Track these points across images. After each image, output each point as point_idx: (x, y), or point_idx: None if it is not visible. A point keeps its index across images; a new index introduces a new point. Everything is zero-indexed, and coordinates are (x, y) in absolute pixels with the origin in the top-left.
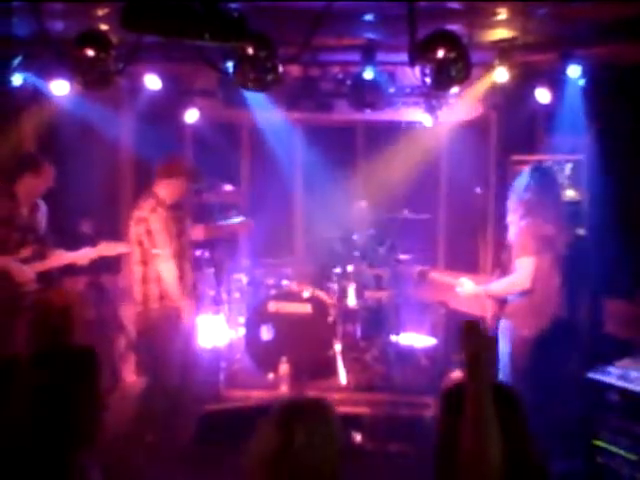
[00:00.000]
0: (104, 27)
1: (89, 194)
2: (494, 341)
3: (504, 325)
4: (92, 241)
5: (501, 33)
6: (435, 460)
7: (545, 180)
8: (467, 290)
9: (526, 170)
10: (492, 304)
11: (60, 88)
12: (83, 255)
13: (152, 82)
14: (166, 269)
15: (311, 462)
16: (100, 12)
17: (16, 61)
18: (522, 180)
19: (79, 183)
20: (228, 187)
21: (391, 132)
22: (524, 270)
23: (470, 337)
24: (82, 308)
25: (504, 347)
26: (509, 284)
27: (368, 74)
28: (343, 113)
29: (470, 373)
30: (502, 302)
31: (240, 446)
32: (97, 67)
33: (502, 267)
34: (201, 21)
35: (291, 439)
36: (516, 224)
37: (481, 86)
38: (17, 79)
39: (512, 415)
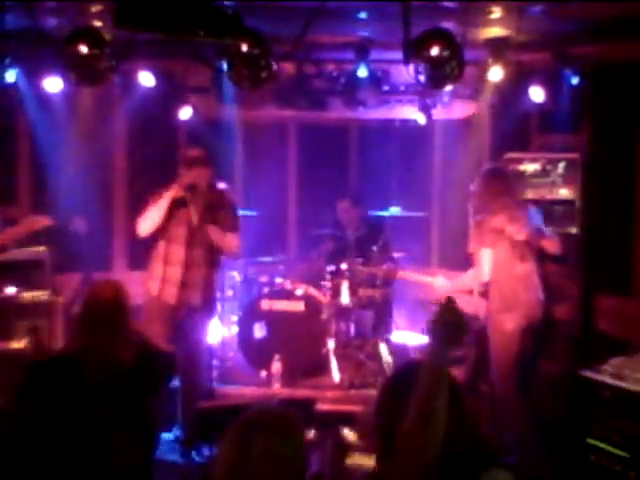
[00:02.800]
0: (98, 24)
1: (83, 191)
2: (467, 323)
3: (488, 320)
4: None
5: (495, 31)
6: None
7: (489, 178)
8: (439, 286)
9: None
10: (484, 302)
11: (53, 85)
12: (7, 237)
13: (146, 79)
14: None
15: (267, 472)
16: (93, 9)
17: (9, 58)
18: (475, 183)
19: (73, 180)
20: (221, 185)
21: (385, 130)
22: (482, 263)
23: (446, 313)
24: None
25: (492, 343)
26: (469, 277)
27: (362, 72)
28: (337, 111)
29: (436, 346)
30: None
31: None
32: (90, 64)
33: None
34: (195, 18)
35: (247, 452)
36: (471, 225)
37: (475, 84)
38: (10, 76)
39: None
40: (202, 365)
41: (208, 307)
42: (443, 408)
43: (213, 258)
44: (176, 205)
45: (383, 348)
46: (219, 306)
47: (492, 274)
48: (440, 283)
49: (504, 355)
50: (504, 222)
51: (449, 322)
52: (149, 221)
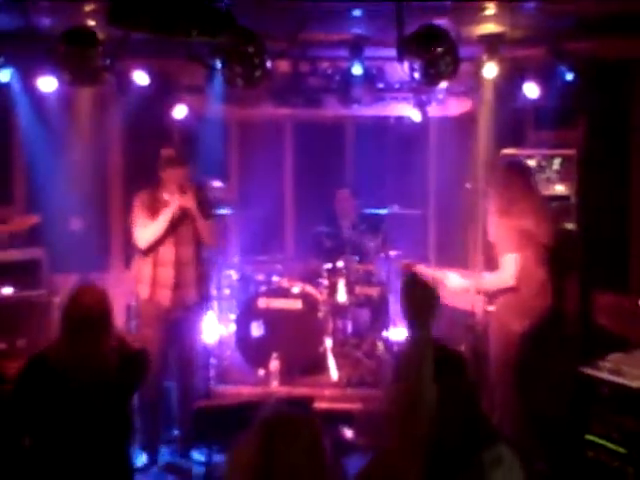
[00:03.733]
0: (91, 23)
1: (78, 191)
2: (435, 292)
3: (493, 320)
4: None
5: (489, 28)
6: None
7: (521, 175)
8: (454, 285)
9: (500, 166)
10: (481, 299)
11: (47, 84)
12: None
13: (140, 78)
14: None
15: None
16: (87, 8)
17: (2, 58)
18: (497, 176)
19: (68, 180)
20: (217, 183)
21: (380, 127)
22: (508, 267)
23: (413, 289)
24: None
25: (494, 342)
26: (494, 281)
27: (357, 69)
28: (332, 109)
29: (414, 323)
30: (491, 297)
31: (231, 443)
32: (84, 63)
33: (493, 263)
34: (189, 17)
35: (272, 457)
36: (495, 221)
37: (470, 81)
38: (4, 76)
39: (456, 380)
40: (198, 364)
41: (203, 305)
42: (428, 386)
43: (201, 254)
44: (157, 208)
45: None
46: (216, 305)
47: (515, 278)
48: (455, 281)
49: (505, 355)
50: (533, 225)
51: (417, 295)
52: (151, 234)
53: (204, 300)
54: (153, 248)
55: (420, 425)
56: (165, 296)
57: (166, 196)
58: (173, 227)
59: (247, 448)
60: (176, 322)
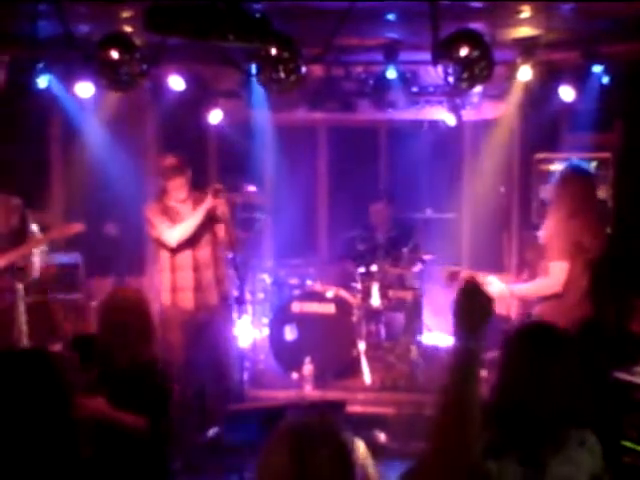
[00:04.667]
0: (128, 29)
1: (114, 196)
2: (493, 304)
3: None
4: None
5: (524, 31)
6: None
7: (587, 181)
8: (495, 289)
9: (566, 169)
10: (517, 304)
11: (85, 90)
12: (34, 245)
13: (176, 83)
14: None
15: None
16: (124, 15)
17: (41, 64)
18: (564, 179)
19: (105, 185)
20: (251, 188)
21: (414, 131)
22: (557, 274)
23: (473, 300)
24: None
25: None
26: (540, 287)
27: (391, 73)
28: (366, 113)
29: (469, 334)
30: (530, 303)
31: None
32: (121, 69)
33: (529, 267)
34: (224, 22)
35: (304, 470)
36: (553, 225)
37: (504, 84)
38: (42, 81)
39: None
40: (230, 365)
41: (226, 306)
42: (475, 404)
43: (219, 256)
44: (166, 214)
45: None
46: (250, 309)
47: (563, 287)
48: (497, 286)
49: None
50: (588, 240)
51: (476, 306)
52: (184, 234)
53: (227, 300)
54: (166, 255)
55: (467, 432)
56: (187, 299)
57: (173, 203)
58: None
59: (277, 455)
60: (202, 325)
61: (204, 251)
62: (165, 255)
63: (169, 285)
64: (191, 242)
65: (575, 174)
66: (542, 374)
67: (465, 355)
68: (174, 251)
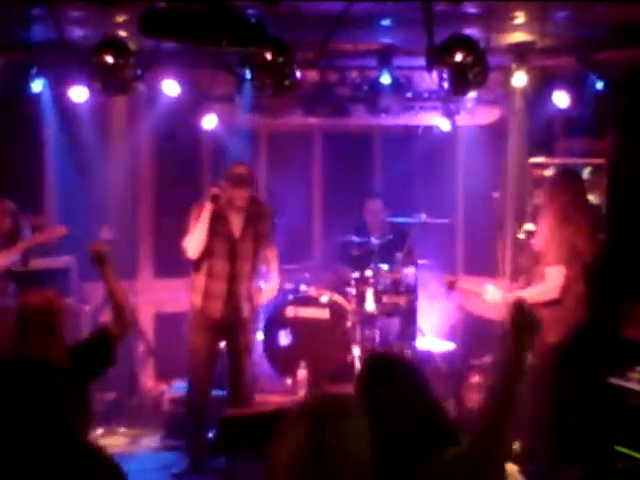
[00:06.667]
0: (123, 34)
1: (108, 200)
2: (539, 322)
3: None
4: None
5: (519, 37)
6: None
7: (578, 186)
8: (494, 299)
9: (557, 174)
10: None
11: (79, 94)
12: (20, 247)
13: (170, 88)
14: None
15: (344, 466)
16: (119, 19)
17: (35, 68)
18: (555, 185)
19: (98, 189)
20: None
21: (409, 137)
22: (554, 279)
23: (517, 314)
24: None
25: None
26: (537, 293)
27: (385, 79)
28: (360, 118)
29: (512, 347)
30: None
31: (258, 451)
32: (116, 73)
33: (525, 273)
34: (219, 27)
35: (322, 446)
36: (546, 232)
37: (499, 90)
38: (36, 86)
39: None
40: (249, 374)
41: (255, 318)
42: (522, 394)
43: (256, 270)
44: (216, 219)
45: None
46: None
47: (560, 292)
48: (495, 294)
49: (537, 367)
50: (583, 243)
51: (524, 324)
52: (195, 243)
53: (256, 312)
54: (204, 259)
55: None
56: (217, 309)
57: (227, 211)
58: (228, 242)
59: (293, 441)
60: (228, 333)
61: (242, 264)
62: (204, 259)
63: (203, 290)
64: (230, 253)
65: (564, 180)
66: (380, 404)
67: (518, 362)
68: (208, 258)
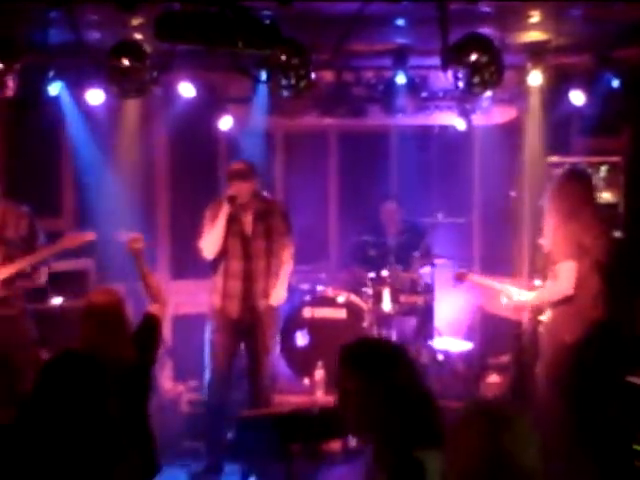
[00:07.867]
0: (138, 37)
1: (126, 202)
2: None
3: (546, 330)
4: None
5: (534, 35)
6: None
7: (584, 184)
8: (513, 304)
9: (563, 173)
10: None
11: (95, 97)
12: (45, 253)
13: (186, 90)
14: None
15: (521, 470)
16: (135, 22)
17: (52, 71)
18: (560, 183)
19: (116, 191)
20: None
21: (424, 136)
22: (566, 275)
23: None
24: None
25: (545, 352)
26: (552, 292)
27: (400, 79)
28: (376, 118)
29: None
30: (542, 308)
31: (275, 451)
32: (132, 76)
33: (540, 273)
34: (234, 29)
35: (499, 450)
36: (552, 231)
37: (515, 89)
38: (53, 89)
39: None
40: (268, 376)
41: (273, 315)
42: None
43: (272, 268)
44: (230, 219)
45: None
46: None
47: (573, 287)
48: (517, 296)
49: (554, 366)
50: (590, 240)
51: None
52: (211, 243)
53: (274, 310)
54: (220, 259)
55: None
56: (234, 309)
57: (236, 210)
58: (241, 240)
59: (467, 438)
60: (247, 333)
61: (257, 262)
62: (220, 259)
63: (221, 290)
64: (243, 252)
65: (569, 178)
66: (345, 392)
67: None
68: (224, 258)
